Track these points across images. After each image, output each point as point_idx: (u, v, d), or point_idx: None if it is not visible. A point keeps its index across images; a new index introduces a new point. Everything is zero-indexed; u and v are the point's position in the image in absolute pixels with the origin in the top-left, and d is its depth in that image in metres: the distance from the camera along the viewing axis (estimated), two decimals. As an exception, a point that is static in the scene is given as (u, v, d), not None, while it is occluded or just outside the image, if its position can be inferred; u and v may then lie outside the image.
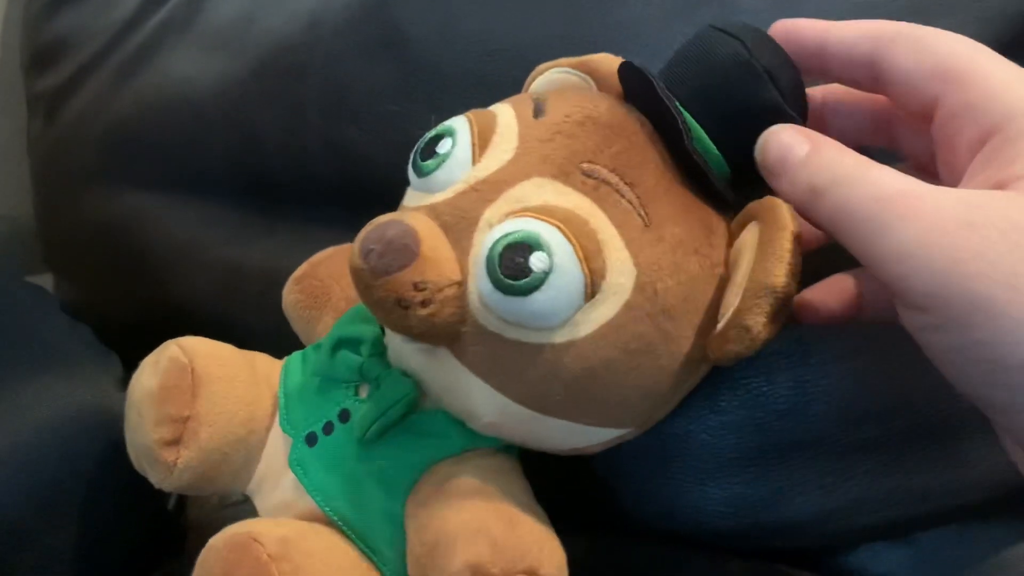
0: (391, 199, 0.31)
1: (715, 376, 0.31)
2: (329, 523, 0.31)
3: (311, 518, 0.31)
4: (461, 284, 0.27)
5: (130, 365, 0.35)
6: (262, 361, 0.36)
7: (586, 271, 0.26)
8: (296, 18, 0.49)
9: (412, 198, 0.30)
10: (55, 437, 0.41)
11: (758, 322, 0.25)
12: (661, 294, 0.27)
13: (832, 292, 0.29)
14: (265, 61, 0.49)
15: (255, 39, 0.50)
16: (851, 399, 0.35)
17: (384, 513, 0.30)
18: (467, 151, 0.28)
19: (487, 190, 0.27)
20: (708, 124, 0.28)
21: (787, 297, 0.25)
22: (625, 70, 0.30)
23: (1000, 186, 0.23)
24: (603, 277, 0.26)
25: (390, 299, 0.26)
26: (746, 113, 0.27)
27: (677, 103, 0.28)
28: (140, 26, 0.59)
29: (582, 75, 0.33)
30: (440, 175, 0.29)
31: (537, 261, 0.25)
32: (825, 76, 0.29)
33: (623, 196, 0.27)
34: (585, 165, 0.27)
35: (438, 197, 0.28)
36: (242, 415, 0.34)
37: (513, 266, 0.25)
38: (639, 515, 0.39)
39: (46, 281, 0.66)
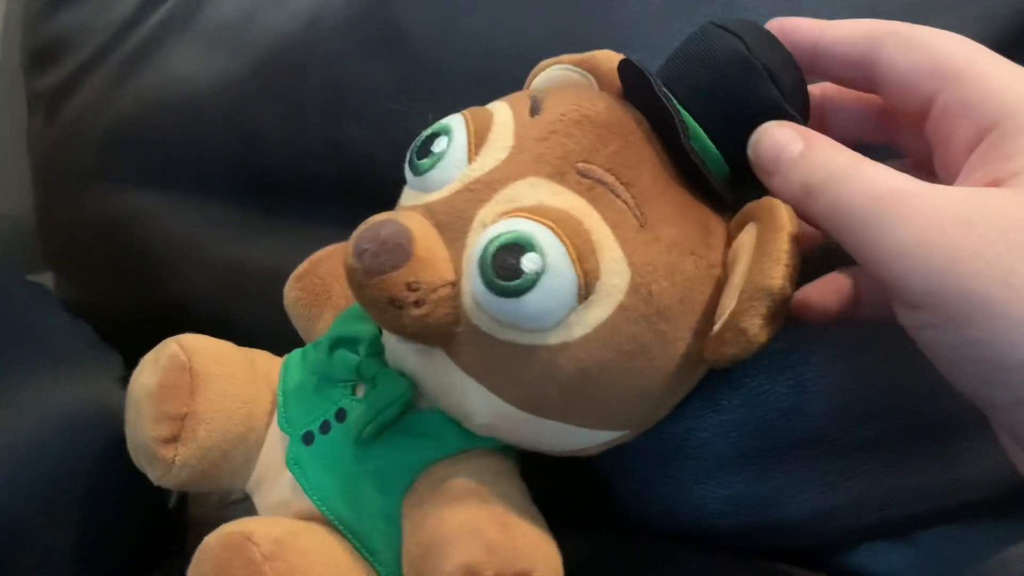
0: (392, 198, 0.31)
1: (716, 375, 0.31)
2: (326, 522, 0.31)
3: (308, 517, 0.31)
4: (455, 285, 0.27)
5: (132, 363, 0.36)
6: (262, 359, 0.36)
7: (579, 272, 0.25)
8: (296, 17, 0.49)
9: (408, 197, 0.30)
10: (56, 435, 0.41)
11: (754, 324, 0.25)
12: (656, 295, 0.26)
13: (830, 291, 0.29)
14: (265, 60, 0.49)
15: (255, 38, 0.51)
16: (852, 398, 0.35)
17: (381, 513, 0.30)
18: (462, 150, 0.28)
19: (481, 189, 0.27)
20: (707, 122, 0.28)
21: (784, 299, 0.25)
22: (624, 67, 0.30)
23: (997, 183, 0.23)
24: (597, 278, 0.26)
25: (383, 299, 0.26)
26: (745, 111, 0.27)
27: (675, 101, 0.27)
28: (140, 25, 0.59)
29: (583, 72, 0.32)
30: (436, 174, 0.28)
31: (529, 262, 0.25)
32: (819, 76, 0.28)
33: (618, 196, 0.27)
34: (580, 165, 0.27)
35: (434, 196, 0.28)
36: (241, 413, 0.34)
37: (505, 267, 0.25)
38: (640, 514, 0.39)
39: (46, 280, 0.66)
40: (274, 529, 0.29)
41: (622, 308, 0.26)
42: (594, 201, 0.27)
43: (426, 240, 0.26)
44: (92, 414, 0.43)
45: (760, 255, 0.25)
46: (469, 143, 0.28)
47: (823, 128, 0.26)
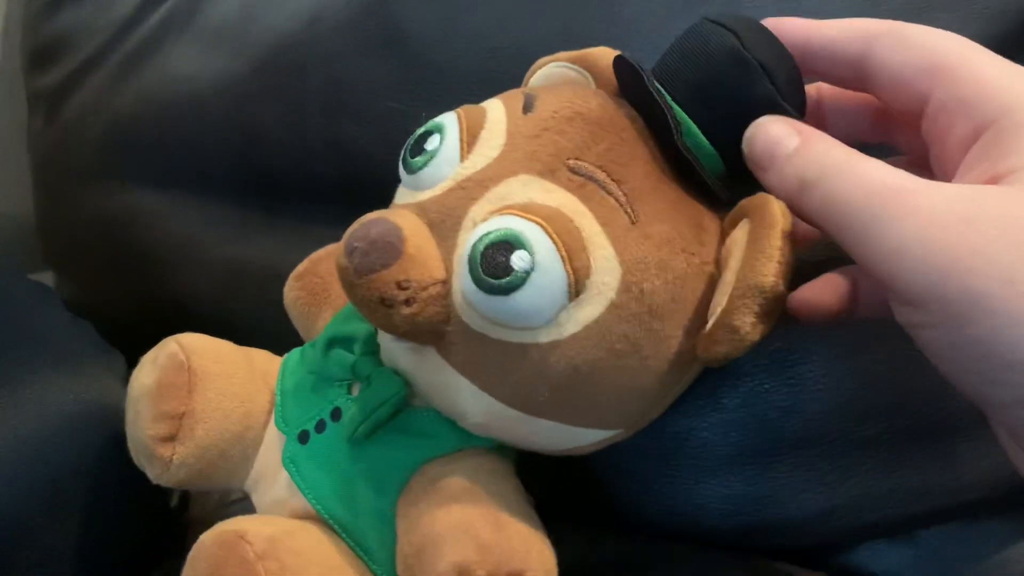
0: (391, 196, 0.31)
1: (716, 374, 0.31)
2: (321, 522, 0.31)
3: (304, 516, 0.31)
4: (446, 283, 0.27)
5: (133, 363, 0.36)
6: (261, 357, 0.37)
7: (569, 270, 0.25)
8: (297, 16, 0.49)
9: (402, 195, 0.30)
10: (57, 434, 0.41)
11: (746, 322, 0.25)
12: (648, 294, 0.26)
13: (828, 290, 0.28)
14: (266, 59, 0.49)
15: (256, 37, 0.51)
16: (852, 397, 0.35)
17: (375, 512, 0.30)
18: (455, 148, 0.28)
19: (473, 187, 0.27)
20: (702, 119, 0.27)
21: (777, 296, 0.25)
22: (619, 64, 0.29)
23: (995, 181, 0.22)
24: (587, 276, 0.26)
25: (374, 298, 0.26)
26: (740, 107, 0.27)
27: (668, 98, 0.27)
28: (141, 24, 0.59)
29: (580, 70, 0.32)
30: (428, 172, 0.28)
31: (519, 260, 0.25)
32: (812, 75, 0.28)
33: (610, 193, 0.27)
34: (572, 162, 0.27)
35: (426, 194, 0.28)
36: (239, 412, 0.34)
37: (494, 265, 0.25)
38: (640, 513, 0.39)
39: (47, 279, 0.66)
40: (268, 528, 0.29)
41: (613, 306, 0.26)
42: (585, 198, 0.26)
43: (417, 238, 0.26)
44: (93, 413, 0.43)
45: (752, 252, 0.25)
46: (462, 141, 0.28)
47: (821, 127, 0.26)
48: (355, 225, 0.27)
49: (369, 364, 0.32)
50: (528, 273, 0.25)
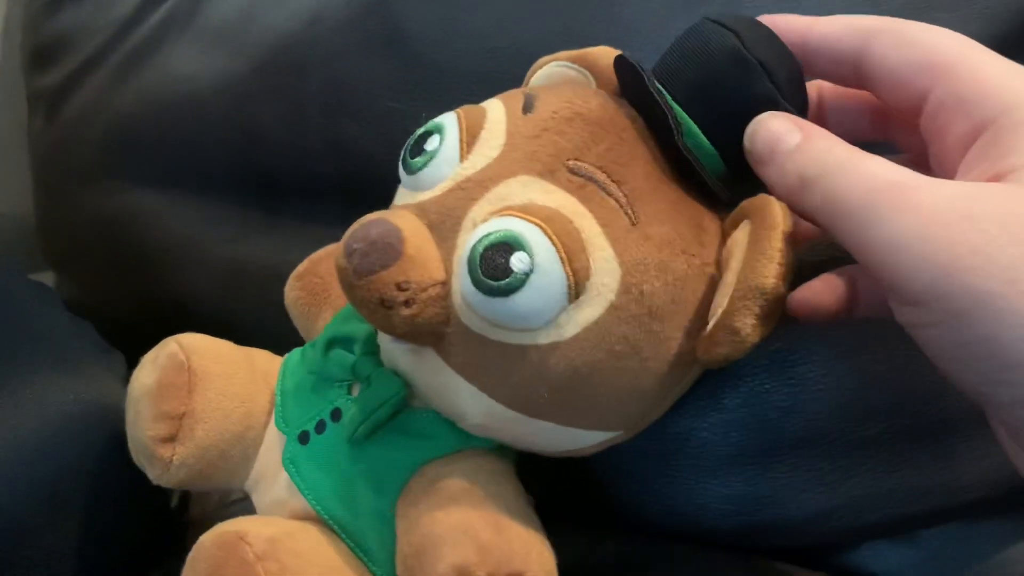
0: (391, 196, 0.31)
1: (717, 374, 0.31)
2: (321, 522, 0.31)
3: (304, 517, 0.31)
4: (445, 284, 0.27)
5: (133, 363, 0.36)
6: (261, 357, 0.36)
7: (568, 272, 0.25)
8: (297, 15, 0.49)
9: (402, 196, 0.30)
10: (57, 434, 0.41)
11: (746, 324, 0.25)
12: (648, 295, 0.26)
13: (828, 290, 0.28)
14: (266, 59, 0.49)
15: (256, 36, 0.51)
16: (852, 397, 0.35)
17: (375, 513, 0.30)
18: (454, 148, 0.28)
19: (473, 188, 0.27)
20: (702, 119, 0.27)
21: (777, 298, 0.25)
22: (619, 63, 0.29)
23: (996, 179, 0.22)
24: (587, 277, 0.25)
25: (373, 299, 0.26)
26: (740, 107, 0.27)
27: (669, 98, 0.27)
28: (141, 24, 0.59)
29: (580, 69, 0.32)
30: (428, 173, 0.28)
31: (518, 261, 0.25)
32: (809, 72, 0.28)
33: (610, 194, 0.26)
34: (571, 163, 0.27)
35: (426, 195, 0.28)
36: (239, 412, 0.34)
37: (494, 266, 0.25)
38: (640, 514, 0.39)
39: (47, 279, 0.66)
40: (268, 529, 0.29)
41: (613, 308, 0.26)
42: (585, 199, 0.26)
43: (416, 239, 0.26)
44: (93, 414, 0.43)
45: (753, 253, 0.25)
46: (461, 141, 0.28)
47: (821, 125, 0.26)
48: (355, 226, 0.27)
49: (369, 365, 0.31)
50: (527, 275, 0.25)
